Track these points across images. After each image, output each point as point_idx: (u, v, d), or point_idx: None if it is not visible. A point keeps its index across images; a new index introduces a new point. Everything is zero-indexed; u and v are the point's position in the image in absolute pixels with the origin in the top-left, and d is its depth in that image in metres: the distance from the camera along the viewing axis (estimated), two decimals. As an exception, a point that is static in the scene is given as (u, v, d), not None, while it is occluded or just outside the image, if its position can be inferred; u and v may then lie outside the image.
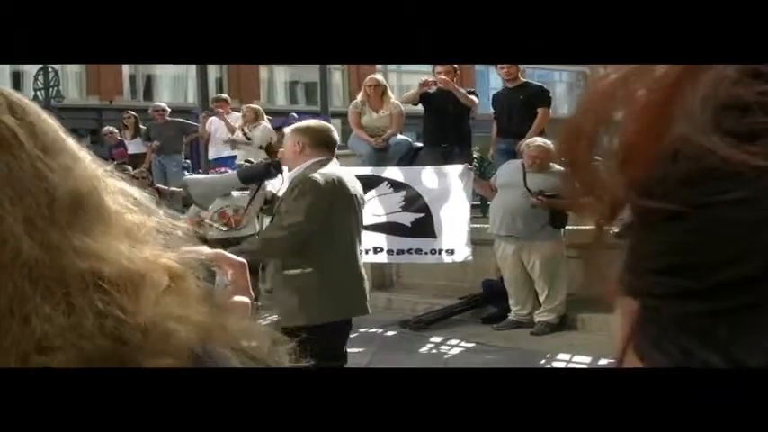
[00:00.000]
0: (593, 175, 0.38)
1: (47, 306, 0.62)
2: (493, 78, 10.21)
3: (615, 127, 0.37)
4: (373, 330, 7.37)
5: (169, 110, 12.64)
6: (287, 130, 4.65)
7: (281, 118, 13.11)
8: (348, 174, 4.52)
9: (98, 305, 0.63)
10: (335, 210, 4.24)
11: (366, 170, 7.53)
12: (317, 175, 4.26)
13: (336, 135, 4.55)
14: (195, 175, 6.12)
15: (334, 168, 4.35)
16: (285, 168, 5.08)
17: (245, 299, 1.02)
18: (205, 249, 1.02)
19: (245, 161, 6.15)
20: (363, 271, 4.51)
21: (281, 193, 4.90)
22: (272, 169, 5.46)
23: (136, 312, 0.64)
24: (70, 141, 0.71)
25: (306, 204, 4.19)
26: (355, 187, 4.46)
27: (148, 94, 22.35)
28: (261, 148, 10.53)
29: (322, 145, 4.34)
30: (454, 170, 7.23)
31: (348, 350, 4.56)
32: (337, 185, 4.29)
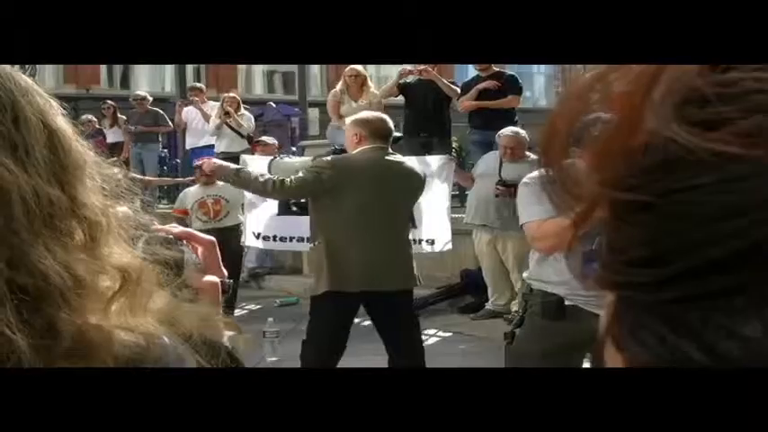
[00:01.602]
0: (569, 172, 0.39)
1: None
2: (472, 70, 10.17)
3: (590, 126, 0.37)
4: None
5: (151, 99, 12.52)
6: (347, 121, 4.96)
7: (258, 107, 13.04)
8: (389, 162, 4.74)
9: None
10: (346, 189, 4.52)
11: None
12: (331, 157, 4.83)
13: (391, 125, 4.81)
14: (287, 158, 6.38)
15: (376, 154, 4.65)
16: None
17: (215, 278, 1.02)
18: (174, 228, 1.03)
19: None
20: (391, 249, 4.75)
21: None
22: None
23: (55, 320, 0.62)
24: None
25: (307, 175, 4.58)
26: (394, 173, 4.73)
27: (126, 82, 22.15)
28: (242, 136, 10.49)
29: (377, 135, 4.67)
30: (435, 160, 7.21)
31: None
32: (354, 169, 4.59)
